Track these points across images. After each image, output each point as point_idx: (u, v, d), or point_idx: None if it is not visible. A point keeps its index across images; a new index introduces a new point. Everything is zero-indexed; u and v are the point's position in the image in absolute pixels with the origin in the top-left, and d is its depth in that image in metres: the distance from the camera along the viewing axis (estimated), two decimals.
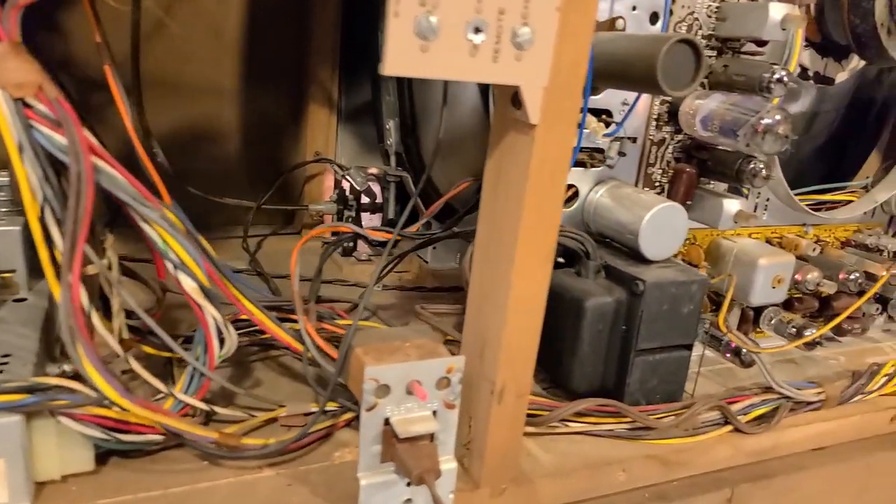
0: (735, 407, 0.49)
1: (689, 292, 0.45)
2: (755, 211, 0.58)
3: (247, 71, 0.73)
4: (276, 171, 0.75)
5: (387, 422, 0.36)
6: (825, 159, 0.70)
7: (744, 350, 0.51)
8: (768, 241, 0.59)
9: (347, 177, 0.73)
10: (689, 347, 0.47)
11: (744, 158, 0.49)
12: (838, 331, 0.65)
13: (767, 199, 0.58)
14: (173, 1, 0.69)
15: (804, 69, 0.60)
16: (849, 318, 0.64)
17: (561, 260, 0.49)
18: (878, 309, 0.65)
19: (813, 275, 0.55)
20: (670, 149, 0.52)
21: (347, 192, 0.73)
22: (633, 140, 0.50)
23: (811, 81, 0.60)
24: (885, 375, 0.55)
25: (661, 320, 0.45)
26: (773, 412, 0.50)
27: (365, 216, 0.73)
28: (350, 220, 0.71)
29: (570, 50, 0.32)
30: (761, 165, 0.48)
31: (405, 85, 0.62)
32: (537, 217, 0.35)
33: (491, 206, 0.37)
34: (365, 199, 0.73)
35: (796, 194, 0.62)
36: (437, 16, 0.29)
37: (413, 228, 0.50)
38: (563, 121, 0.33)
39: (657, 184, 0.52)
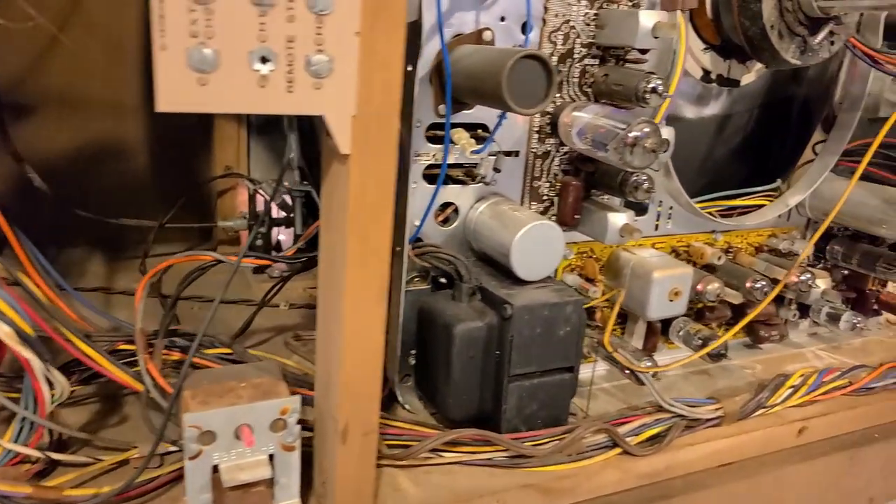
0: (626, 428, 0.47)
1: (564, 314, 0.43)
2: (658, 220, 0.56)
3: (149, 85, 0.70)
4: (187, 188, 0.73)
5: (216, 468, 0.34)
6: (747, 161, 0.68)
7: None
8: (674, 251, 0.58)
9: (260, 191, 0.72)
10: (571, 370, 0.45)
11: (625, 171, 0.47)
12: (756, 339, 0.63)
13: (671, 208, 0.56)
14: (68, 16, 0.67)
15: (707, 72, 0.58)
16: (766, 325, 0.63)
17: (443, 280, 0.47)
18: (795, 314, 0.64)
19: (713, 285, 0.53)
20: (556, 161, 0.50)
21: (261, 207, 0.71)
22: (516, 154, 0.48)
23: (714, 84, 0.58)
24: (790, 387, 0.54)
25: (535, 344, 0.43)
26: (666, 432, 0.48)
27: (282, 231, 0.71)
28: (260, 235, 0.69)
29: (380, 76, 0.30)
30: (644, 177, 0.47)
31: None
32: (363, 249, 0.33)
33: (325, 237, 0.35)
34: (281, 214, 0.71)
35: (709, 199, 0.61)
36: (214, 46, 0.27)
37: (290, 252, 0.48)
38: (381, 149, 0.31)
39: (545, 197, 0.50)
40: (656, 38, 0.44)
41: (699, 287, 0.53)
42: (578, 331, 0.44)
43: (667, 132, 0.44)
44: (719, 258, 0.57)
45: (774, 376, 0.54)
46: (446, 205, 0.48)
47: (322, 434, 0.38)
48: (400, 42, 0.30)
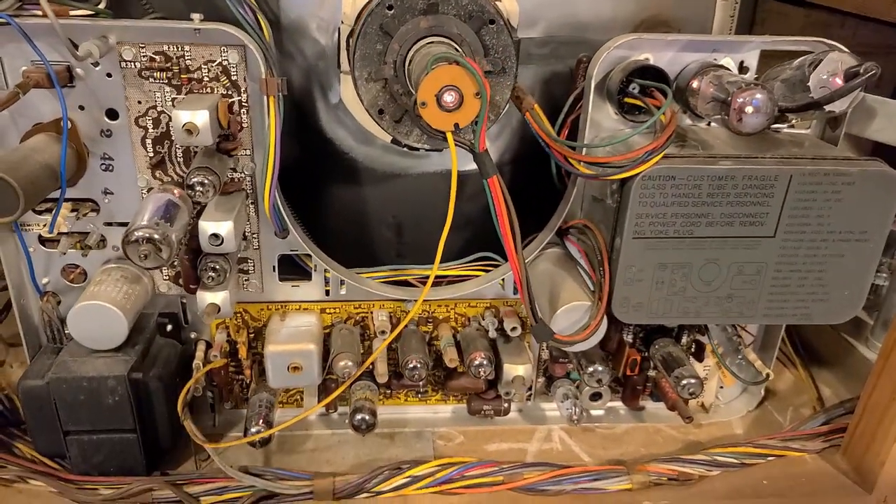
0: (202, 487, 0.51)
1: (107, 386, 0.48)
2: (328, 285, 0.56)
3: None
4: None
5: None
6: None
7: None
8: (351, 317, 0.57)
9: None
10: (133, 431, 0.50)
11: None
12: (470, 410, 0.61)
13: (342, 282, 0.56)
14: None
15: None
16: (480, 398, 0.61)
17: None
18: (509, 392, 0.60)
19: (342, 363, 0.53)
20: None
21: None
22: None
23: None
24: (410, 476, 0.52)
25: (84, 408, 0.48)
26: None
27: None
28: None
29: None
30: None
31: None
32: None
33: None
34: None
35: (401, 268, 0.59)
36: None
37: None
38: None
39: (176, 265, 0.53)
40: (190, 133, 0.44)
41: (333, 361, 0.54)
42: (129, 400, 0.49)
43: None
44: (383, 332, 0.56)
45: (393, 463, 0.53)
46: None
47: None
48: None
